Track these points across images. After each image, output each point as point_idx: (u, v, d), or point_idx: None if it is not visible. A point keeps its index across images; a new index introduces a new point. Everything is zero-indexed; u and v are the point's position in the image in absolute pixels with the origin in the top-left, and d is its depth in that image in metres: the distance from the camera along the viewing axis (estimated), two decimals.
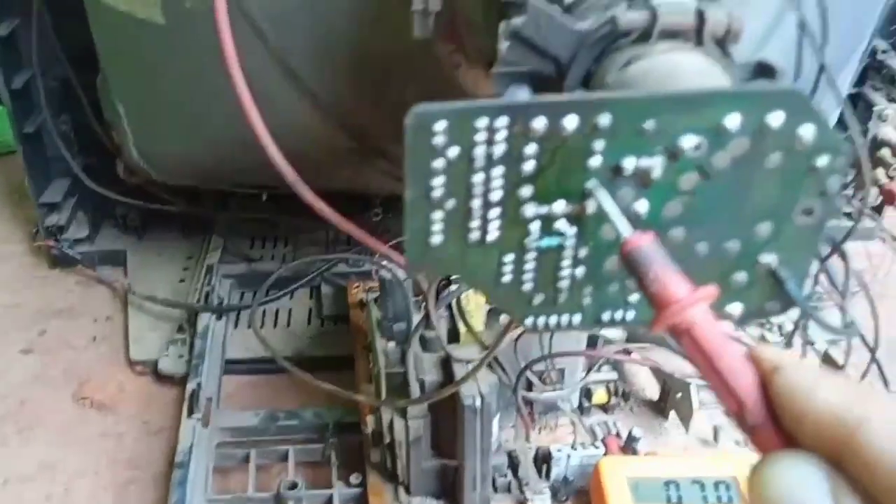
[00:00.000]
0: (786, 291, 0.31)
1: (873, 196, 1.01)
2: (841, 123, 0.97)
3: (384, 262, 0.73)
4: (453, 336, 0.68)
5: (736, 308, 0.32)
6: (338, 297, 0.95)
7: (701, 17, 0.34)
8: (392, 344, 0.69)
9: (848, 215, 1.03)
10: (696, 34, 0.34)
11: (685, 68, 0.33)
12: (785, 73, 0.35)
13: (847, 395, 0.20)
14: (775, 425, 0.21)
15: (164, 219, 1.07)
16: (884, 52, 0.94)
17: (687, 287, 0.25)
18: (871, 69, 0.97)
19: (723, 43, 0.34)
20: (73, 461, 0.78)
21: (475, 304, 0.69)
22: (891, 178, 0.97)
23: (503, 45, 0.37)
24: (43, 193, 1.04)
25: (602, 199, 0.28)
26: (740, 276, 0.32)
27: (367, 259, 0.92)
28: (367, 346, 0.81)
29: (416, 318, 0.71)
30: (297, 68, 0.67)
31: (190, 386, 0.79)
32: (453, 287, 0.66)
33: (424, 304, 0.72)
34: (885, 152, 0.96)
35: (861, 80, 0.97)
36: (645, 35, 0.34)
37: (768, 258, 0.31)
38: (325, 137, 0.72)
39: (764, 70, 0.35)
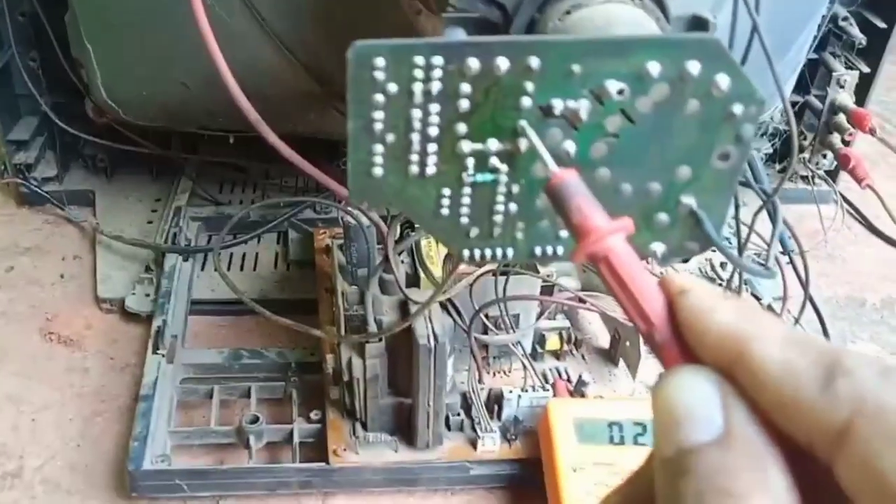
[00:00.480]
0: (704, 231, 0.34)
1: (829, 160, 1.04)
2: (801, 85, 0.99)
3: (349, 209, 0.75)
4: (413, 281, 0.70)
5: (659, 247, 0.35)
6: (304, 242, 0.96)
7: None
8: (353, 287, 0.71)
9: (804, 178, 1.06)
10: None
11: (620, 19, 0.34)
12: (716, 27, 0.37)
13: (742, 316, 0.22)
14: (680, 344, 0.24)
15: (134, 160, 1.08)
16: (844, 19, 0.96)
17: (605, 218, 0.27)
18: (833, 35, 0.99)
19: None
20: (39, 394, 0.80)
21: (436, 251, 0.71)
22: (846, 143, 1.00)
23: None
24: (11, 131, 1.04)
25: (531, 137, 0.30)
26: (662, 217, 0.34)
27: (334, 205, 0.94)
28: (329, 289, 0.83)
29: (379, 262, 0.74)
30: (263, 11, 0.68)
31: (155, 323, 0.81)
32: (414, 233, 0.69)
33: (384, 246, 0.74)
34: (842, 118, 0.99)
35: (822, 45, 0.99)
36: None
37: (688, 200, 0.33)
38: (291, 81, 0.73)
39: (698, 23, 0.37)
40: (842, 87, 0.98)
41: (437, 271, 0.69)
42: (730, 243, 0.73)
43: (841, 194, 1.03)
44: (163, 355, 0.77)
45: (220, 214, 1.00)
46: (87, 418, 0.78)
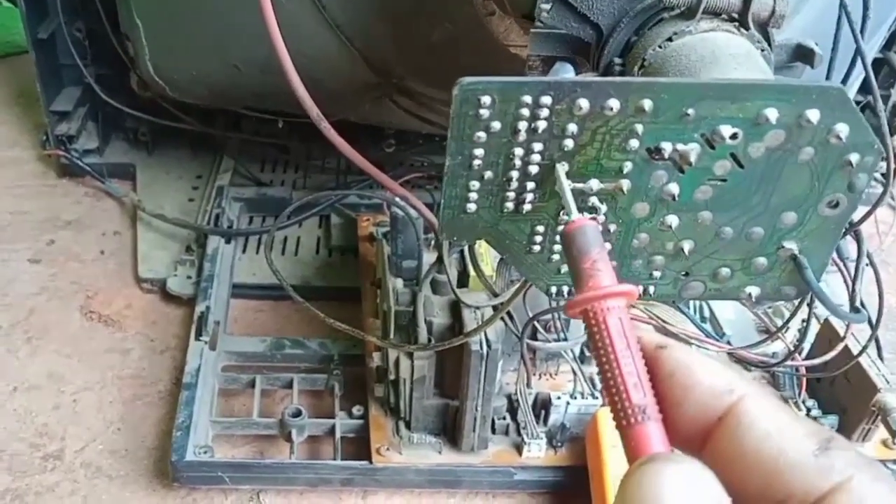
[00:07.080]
0: (804, 278, 0.32)
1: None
2: (863, 88, 0.96)
3: (396, 199, 0.74)
4: (462, 280, 0.69)
5: (754, 290, 0.33)
6: (347, 228, 0.95)
7: None
8: (401, 282, 0.70)
9: None
10: (739, 14, 0.34)
11: (726, 50, 0.32)
12: (822, 59, 0.35)
13: (729, 370, 0.22)
14: (662, 424, 0.21)
15: (175, 135, 1.07)
16: None
17: (614, 279, 0.24)
18: None
19: (765, 25, 0.34)
20: (80, 374, 0.80)
21: (486, 249, 0.70)
22: None
23: (544, 6, 0.37)
24: (54, 101, 1.04)
25: (561, 182, 0.28)
26: (761, 261, 0.32)
27: (384, 198, 0.92)
28: (374, 282, 0.82)
29: (426, 255, 0.72)
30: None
31: (199, 309, 0.80)
32: None
33: (435, 243, 0.73)
34: None
35: (888, 45, 0.96)
36: (689, 11, 0.34)
37: (790, 245, 0.32)
38: (347, 70, 0.71)
39: (802, 53, 0.35)
40: None
41: (488, 270, 0.68)
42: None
43: None
44: (206, 342, 0.77)
45: (261, 196, 0.99)
46: (128, 401, 0.77)
